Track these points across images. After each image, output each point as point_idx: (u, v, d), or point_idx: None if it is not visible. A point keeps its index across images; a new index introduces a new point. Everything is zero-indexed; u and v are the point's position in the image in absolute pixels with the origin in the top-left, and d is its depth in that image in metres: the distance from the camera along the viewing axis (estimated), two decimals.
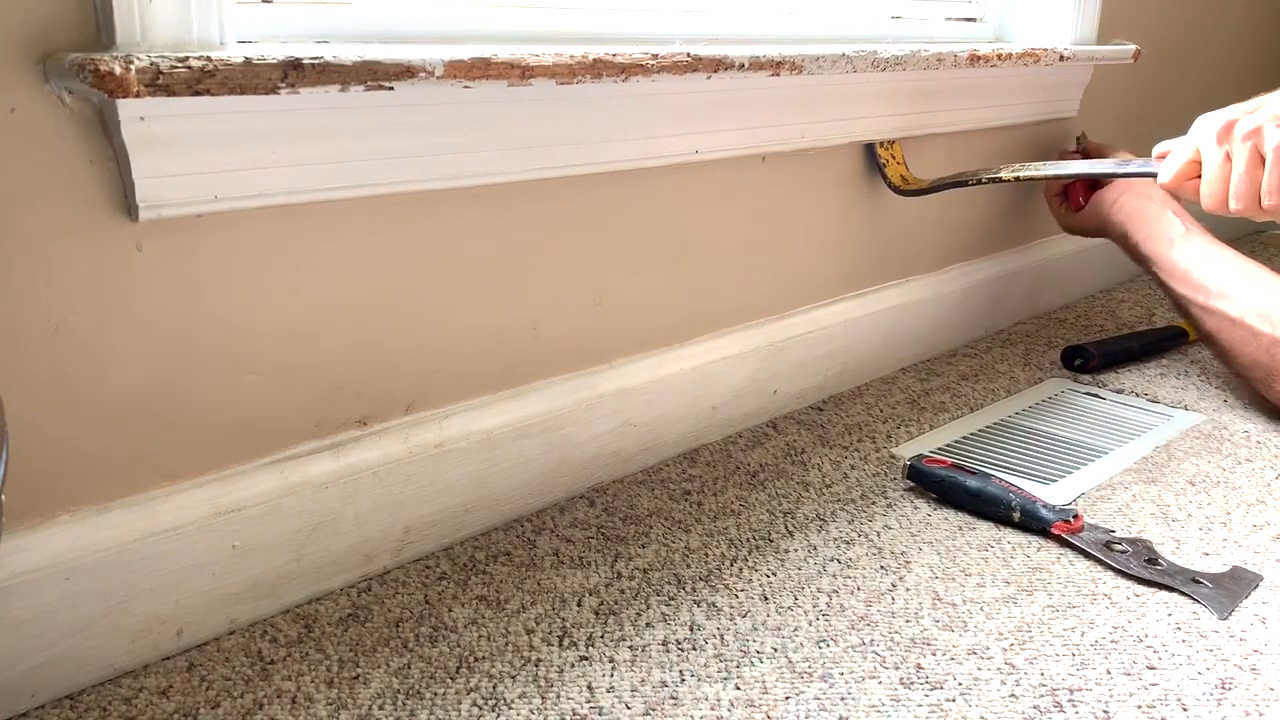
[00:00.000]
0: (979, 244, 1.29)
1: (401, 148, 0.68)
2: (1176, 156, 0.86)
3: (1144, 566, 0.75)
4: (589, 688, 0.62)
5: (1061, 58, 1.21)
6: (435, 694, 0.61)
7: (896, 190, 1.07)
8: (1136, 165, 0.93)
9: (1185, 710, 0.61)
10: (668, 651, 0.66)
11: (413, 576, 0.74)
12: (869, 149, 1.06)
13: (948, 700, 0.62)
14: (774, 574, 0.75)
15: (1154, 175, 0.88)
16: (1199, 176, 0.85)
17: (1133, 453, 0.96)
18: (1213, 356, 1.11)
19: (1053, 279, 1.40)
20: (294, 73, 0.57)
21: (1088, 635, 0.68)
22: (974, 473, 0.84)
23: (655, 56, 0.76)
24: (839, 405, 1.07)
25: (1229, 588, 0.74)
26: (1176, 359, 1.22)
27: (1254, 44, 1.88)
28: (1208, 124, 0.83)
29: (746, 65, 0.83)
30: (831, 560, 0.77)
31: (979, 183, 1.05)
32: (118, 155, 0.57)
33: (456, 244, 0.75)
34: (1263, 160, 0.78)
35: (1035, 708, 0.61)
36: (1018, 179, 1.03)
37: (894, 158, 1.07)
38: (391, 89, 0.62)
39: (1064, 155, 1.31)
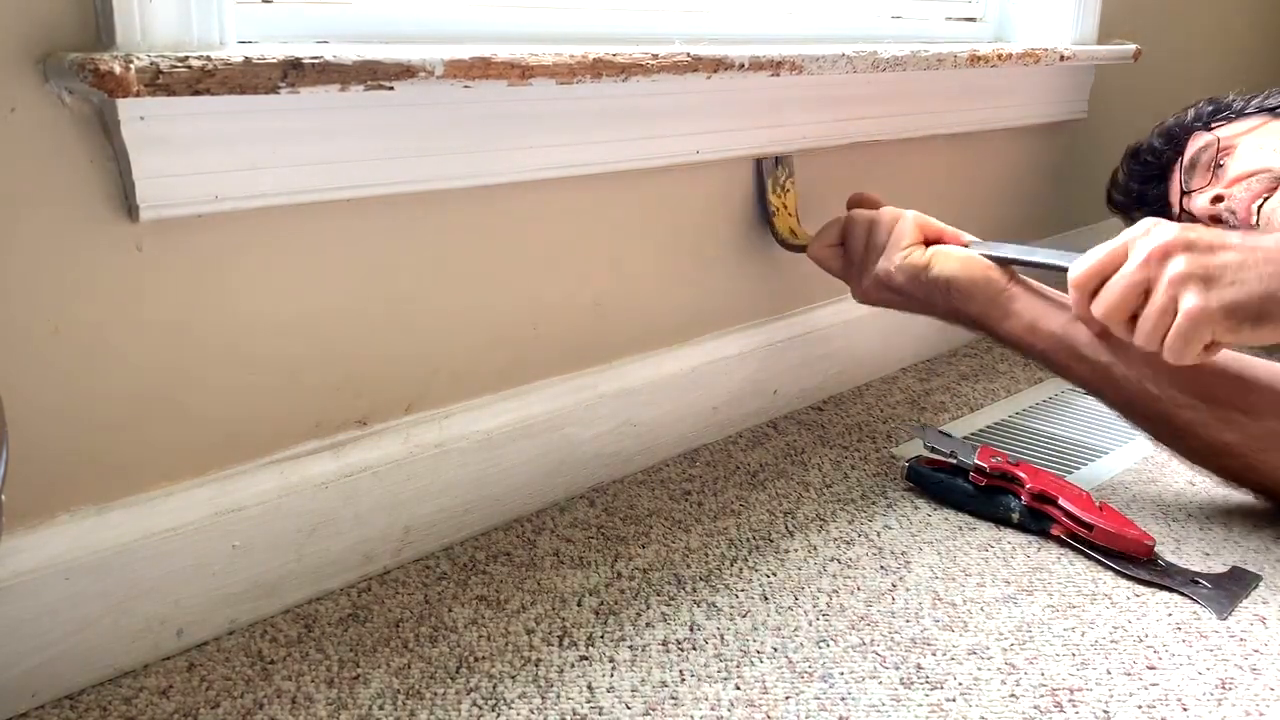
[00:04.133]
0: None
1: (401, 148, 0.68)
2: (1099, 250, 0.74)
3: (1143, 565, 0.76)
4: (589, 688, 0.62)
5: (1062, 58, 1.21)
6: (435, 694, 0.61)
7: (783, 244, 0.96)
8: (1046, 255, 0.82)
9: (1185, 710, 0.61)
10: (668, 651, 0.66)
11: (413, 576, 0.74)
12: (760, 192, 0.95)
13: (948, 700, 0.62)
14: (774, 574, 0.75)
15: (1065, 270, 0.77)
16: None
17: (1133, 453, 0.96)
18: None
19: (1053, 279, 1.40)
20: (294, 72, 0.57)
21: (1088, 635, 0.68)
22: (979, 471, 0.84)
23: (655, 56, 0.76)
24: (839, 405, 1.07)
25: (1229, 588, 0.74)
26: None
27: (1255, 43, 1.88)
28: (1150, 237, 0.72)
29: (746, 65, 0.83)
30: (831, 560, 0.77)
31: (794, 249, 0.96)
32: (118, 155, 0.57)
33: (456, 244, 0.75)
34: (1174, 314, 0.69)
35: (1035, 708, 0.61)
36: None
37: (785, 207, 0.97)
38: (391, 89, 0.62)
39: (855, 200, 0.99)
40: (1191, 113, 1.24)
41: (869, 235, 0.88)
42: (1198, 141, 1.18)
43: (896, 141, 1.09)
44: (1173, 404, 0.80)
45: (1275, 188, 1.10)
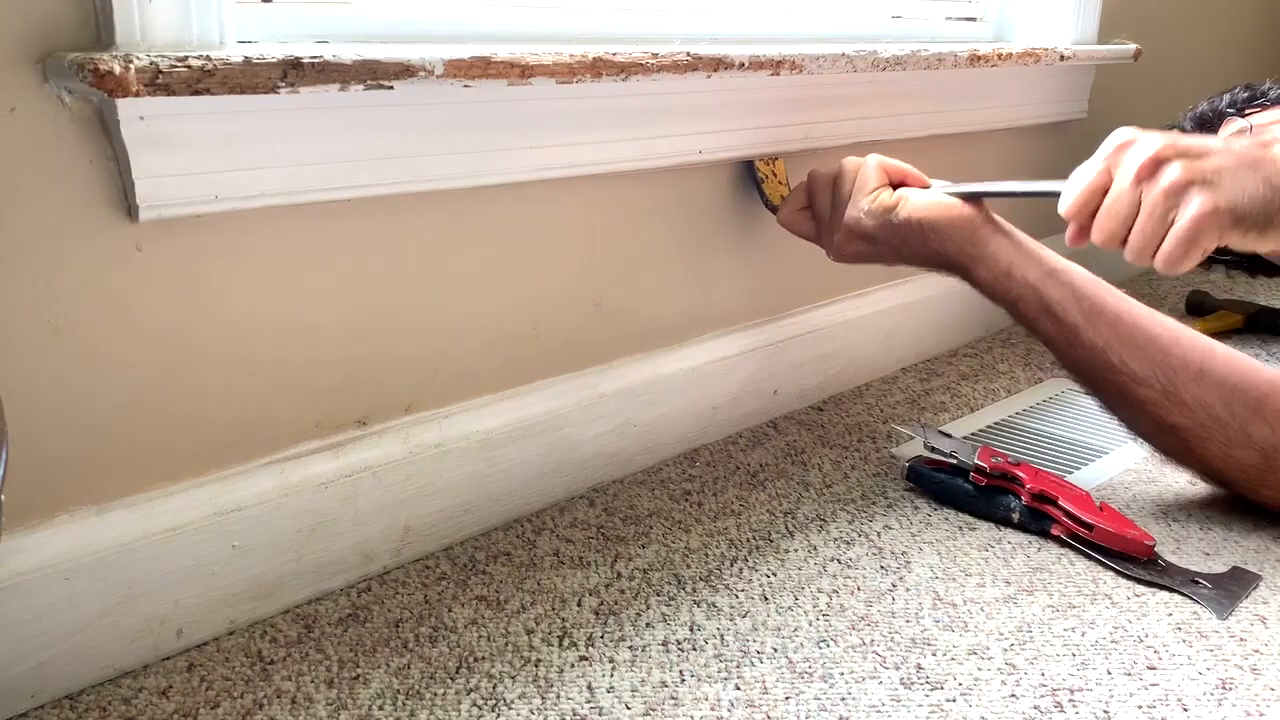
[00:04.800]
0: None
1: (401, 148, 0.68)
2: (1079, 180, 0.72)
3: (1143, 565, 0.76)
4: (589, 688, 0.62)
5: (1062, 57, 1.21)
6: (435, 694, 0.61)
7: (775, 211, 0.94)
8: (1040, 184, 0.79)
9: (1186, 710, 0.61)
10: (668, 651, 0.66)
11: (413, 576, 0.74)
12: (748, 165, 0.94)
13: (948, 700, 0.62)
14: (774, 574, 0.75)
15: (1057, 195, 0.75)
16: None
17: (1133, 453, 0.96)
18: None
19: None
20: (294, 72, 0.57)
21: (1088, 635, 0.68)
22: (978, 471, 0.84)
23: (655, 56, 0.76)
24: (839, 405, 1.07)
25: (1229, 588, 0.74)
26: None
27: (1255, 43, 1.88)
28: (1131, 152, 0.70)
29: (747, 65, 0.83)
30: (832, 560, 0.77)
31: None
32: (117, 155, 0.57)
33: (456, 244, 0.75)
34: (1173, 223, 0.67)
35: (1036, 708, 0.61)
36: None
37: (774, 174, 0.95)
38: (391, 88, 0.62)
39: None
40: (1226, 98, 1.21)
41: (834, 189, 0.86)
42: (1231, 127, 1.17)
43: (897, 141, 1.09)
44: (1130, 378, 0.80)
45: None
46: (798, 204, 0.90)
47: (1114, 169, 0.70)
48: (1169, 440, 0.82)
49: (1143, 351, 0.80)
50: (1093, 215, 0.71)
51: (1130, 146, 0.70)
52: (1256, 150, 0.68)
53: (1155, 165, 0.68)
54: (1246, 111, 1.18)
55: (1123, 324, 0.80)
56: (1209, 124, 1.20)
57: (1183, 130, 1.22)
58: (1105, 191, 0.70)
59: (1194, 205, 0.66)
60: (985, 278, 0.83)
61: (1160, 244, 0.68)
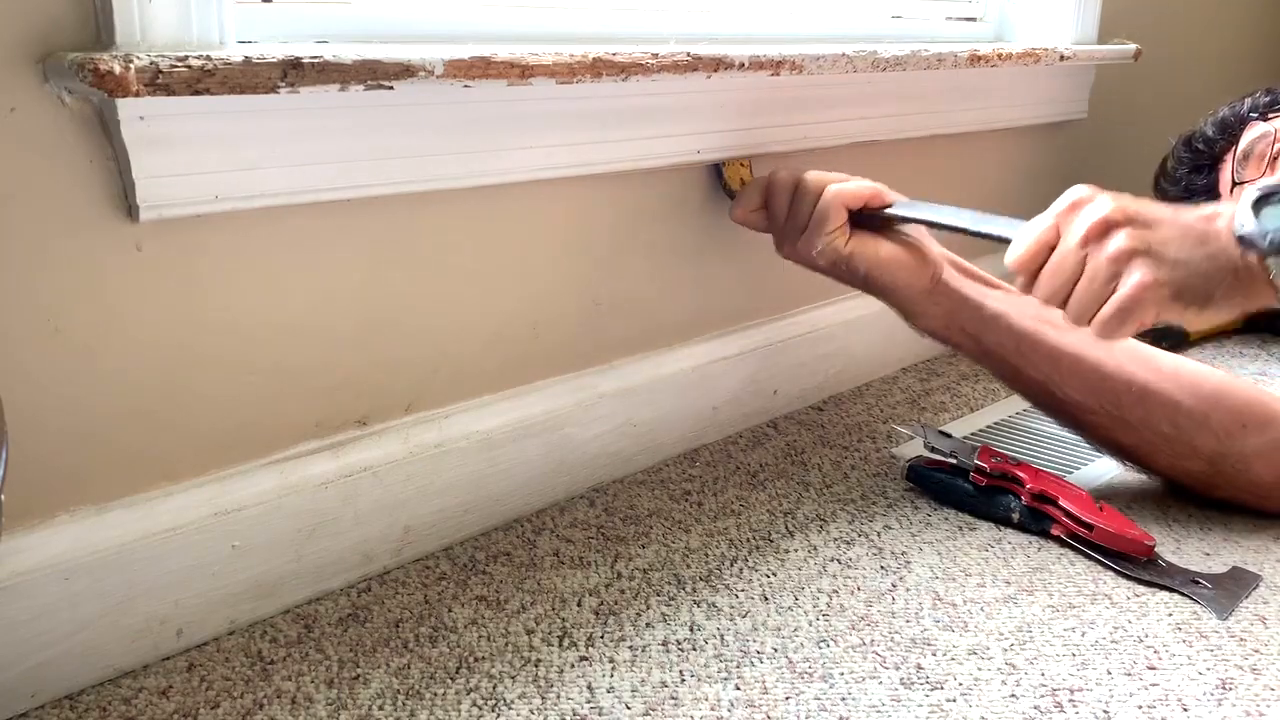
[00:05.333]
0: (979, 243, 1.29)
1: (401, 148, 0.68)
2: (1029, 234, 0.71)
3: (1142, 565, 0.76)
4: (589, 688, 0.62)
5: (1062, 57, 1.21)
6: (435, 694, 0.61)
7: (732, 196, 0.91)
8: (995, 224, 0.76)
9: (1186, 710, 0.61)
10: (668, 651, 0.66)
11: (413, 576, 0.74)
12: (715, 169, 0.92)
13: (948, 700, 0.62)
14: (774, 574, 0.75)
15: (1007, 241, 0.73)
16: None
17: None
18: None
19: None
20: (294, 72, 0.57)
21: (1088, 635, 0.68)
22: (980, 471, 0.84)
23: (655, 56, 0.76)
24: (839, 405, 1.07)
25: (1229, 588, 0.74)
26: None
27: (1256, 42, 1.88)
28: (1084, 214, 0.69)
29: (747, 65, 0.83)
30: (832, 560, 0.77)
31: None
32: (118, 155, 0.57)
33: (456, 244, 0.75)
34: (1113, 290, 0.67)
35: (1036, 708, 0.61)
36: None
37: (743, 180, 0.92)
38: (391, 88, 0.62)
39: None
40: (1248, 102, 1.21)
41: (791, 206, 0.84)
42: (1253, 131, 1.16)
43: (897, 141, 1.09)
44: (1075, 408, 0.84)
45: None
46: (753, 205, 0.87)
47: (1063, 227, 0.70)
48: (1123, 455, 0.86)
49: (1085, 381, 0.82)
50: (1038, 271, 0.71)
51: (1083, 207, 0.70)
52: (1203, 224, 0.68)
53: (1104, 229, 0.68)
54: (1269, 115, 1.17)
55: (1063, 359, 0.82)
56: (1230, 128, 1.19)
57: (1205, 135, 1.21)
58: (1053, 248, 0.70)
59: (1135, 275, 0.67)
60: (926, 327, 0.86)
61: (1099, 309, 0.68)
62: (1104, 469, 0.93)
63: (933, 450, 0.86)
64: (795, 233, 0.85)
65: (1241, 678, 0.64)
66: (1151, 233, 0.68)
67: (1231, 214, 0.68)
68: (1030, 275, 0.72)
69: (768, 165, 0.94)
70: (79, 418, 0.59)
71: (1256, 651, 0.67)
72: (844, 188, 0.83)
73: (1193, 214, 0.69)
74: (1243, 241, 0.67)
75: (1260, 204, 0.67)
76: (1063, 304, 0.70)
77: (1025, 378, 0.85)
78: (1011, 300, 0.84)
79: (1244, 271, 0.67)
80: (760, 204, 0.88)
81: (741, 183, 0.92)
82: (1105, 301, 0.68)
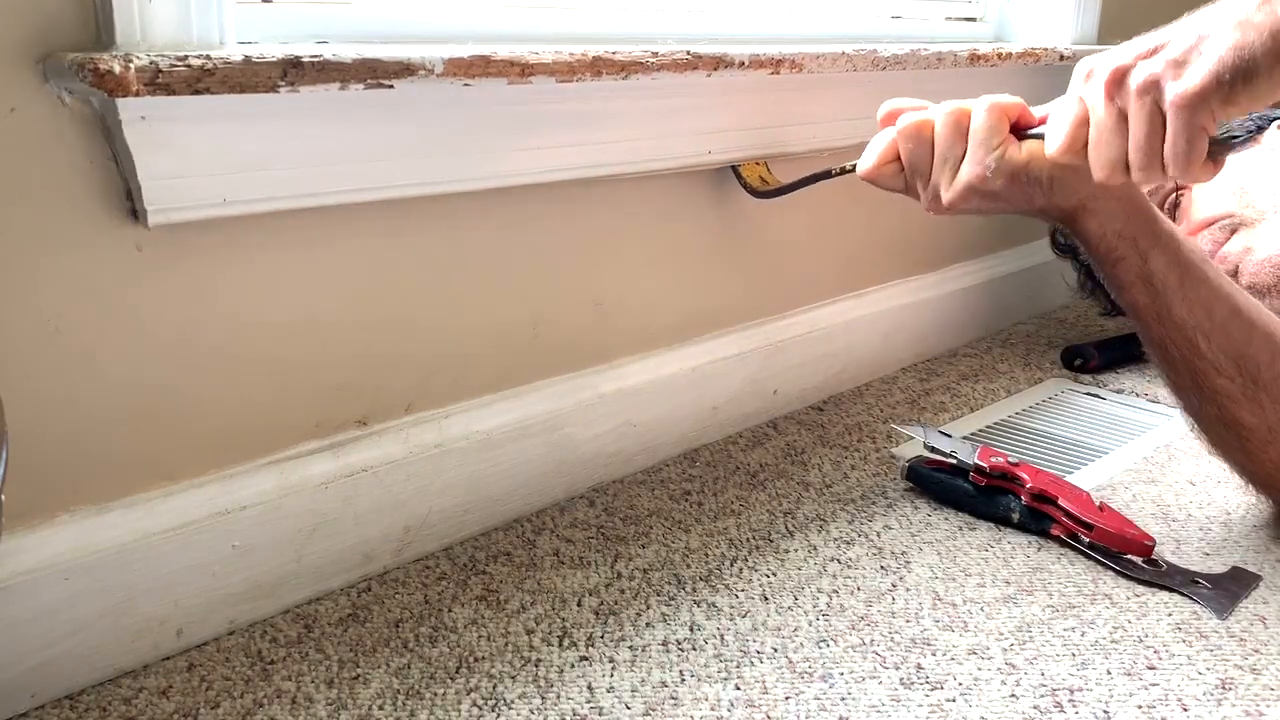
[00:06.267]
0: (979, 243, 1.29)
1: (402, 149, 0.68)
2: (1061, 119, 0.69)
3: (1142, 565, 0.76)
4: (589, 688, 0.62)
5: (1062, 57, 1.21)
6: (435, 694, 0.61)
7: (753, 192, 0.92)
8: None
9: (1185, 710, 0.61)
10: (668, 651, 0.66)
11: (413, 576, 0.74)
12: (733, 170, 0.91)
13: (948, 700, 0.62)
14: (774, 574, 0.75)
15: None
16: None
17: (1133, 453, 0.96)
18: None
19: (1053, 279, 1.40)
20: (294, 71, 0.57)
21: (1088, 635, 0.68)
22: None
23: (655, 54, 0.76)
24: (839, 405, 1.07)
25: (1229, 588, 0.74)
26: None
27: None
28: (1095, 74, 0.67)
29: (747, 64, 0.83)
30: (831, 560, 0.77)
31: (842, 172, 0.85)
32: (118, 155, 0.57)
33: (457, 245, 0.75)
34: (1164, 118, 0.64)
35: (1035, 708, 0.61)
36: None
37: (762, 178, 0.93)
38: (391, 87, 0.62)
39: None
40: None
41: (944, 142, 0.77)
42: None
43: None
44: (1212, 365, 0.76)
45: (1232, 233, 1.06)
46: (886, 157, 0.79)
47: (1087, 98, 0.68)
48: (1229, 435, 0.78)
49: (1232, 339, 0.76)
50: (1084, 150, 0.68)
51: (1091, 73, 0.68)
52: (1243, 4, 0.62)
53: (1120, 77, 0.65)
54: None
55: (1219, 306, 0.76)
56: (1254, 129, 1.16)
57: (1232, 135, 1.18)
58: (1088, 123, 0.67)
59: (1168, 94, 0.63)
60: (1095, 232, 0.79)
61: (1163, 150, 0.64)
62: (1104, 469, 0.93)
63: (933, 450, 0.86)
64: (953, 165, 0.76)
65: (1241, 678, 0.64)
66: (1164, 51, 0.64)
67: None
68: (1083, 157, 0.68)
69: (775, 166, 0.94)
70: (79, 418, 0.59)
71: (1256, 651, 0.67)
72: (998, 98, 0.78)
73: (1198, 14, 0.65)
74: None
75: None
76: (1126, 169, 0.66)
77: (1173, 317, 0.77)
78: (1180, 230, 0.79)
79: None
80: (893, 155, 0.79)
81: (761, 180, 0.91)
82: (1160, 144, 0.64)
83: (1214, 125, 0.63)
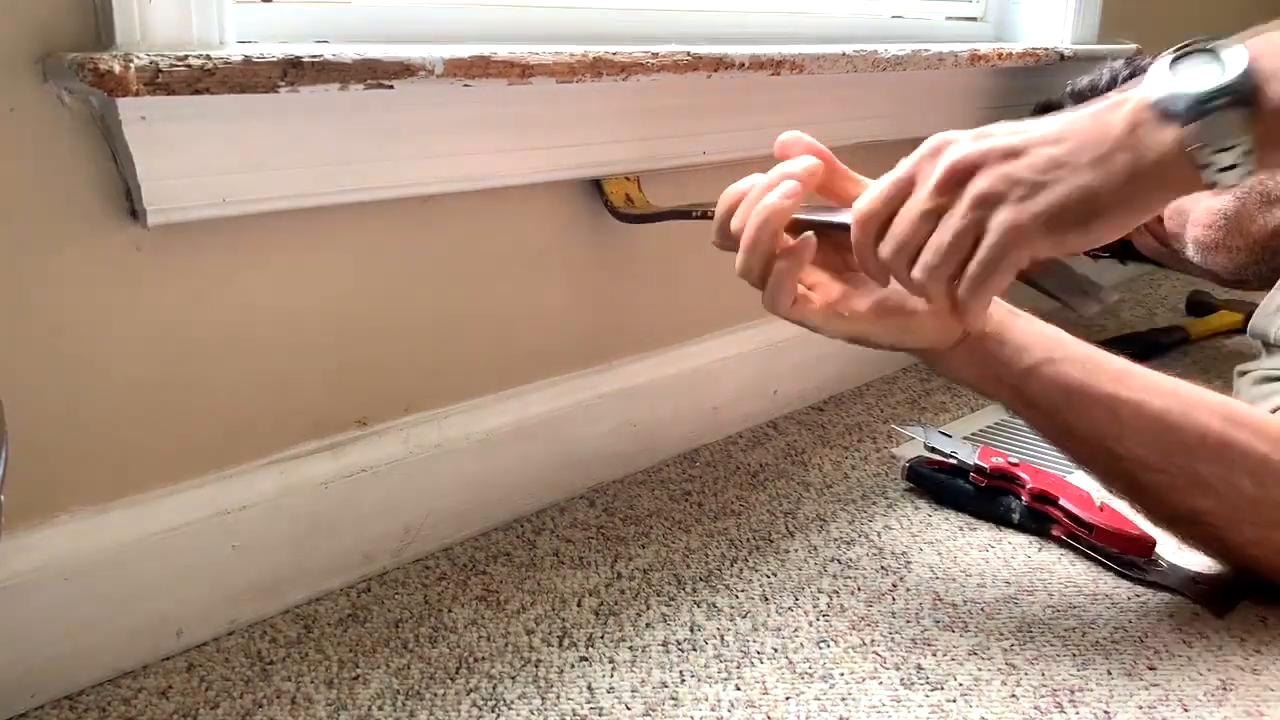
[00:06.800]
0: None
1: (402, 150, 0.68)
2: (880, 183, 0.62)
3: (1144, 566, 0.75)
4: (589, 688, 0.62)
5: (1062, 57, 1.21)
6: (435, 694, 0.61)
7: (617, 214, 0.83)
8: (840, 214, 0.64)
9: (1186, 710, 0.61)
10: (668, 652, 0.66)
11: (412, 577, 0.74)
12: (595, 184, 0.83)
13: (949, 701, 0.62)
14: (774, 574, 0.75)
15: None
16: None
17: None
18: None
19: None
20: (293, 71, 0.57)
21: (1088, 635, 0.68)
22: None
23: (655, 55, 0.76)
24: (839, 405, 1.07)
25: (1229, 588, 0.74)
26: (1177, 359, 1.22)
27: None
28: (942, 156, 0.59)
29: (747, 64, 0.83)
30: (832, 560, 0.77)
31: (702, 216, 0.76)
32: (119, 156, 0.57)
33: (456, 244, 0.75)
34: (978, 240, 0.58)
35: (1036, 708, 0.61)
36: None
37: (628, 196, 0.84)
38: (391, 87, 0.62)
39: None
40: (1106, 74, 1.12)
41: (741, 269, 0.72)
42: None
43: (898, 142, 1.09)
44: (1138, 465, 0.67)
45: None
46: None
47: (919, 177, 0.60)
48: (1194, 528, 0.70)
49: (1149, 433, 0.67)
50: (883, 229, 0.61)
51: (943, 151, 0.60)
52: (1105, 113, 0.58)
53: (963, 173, 0.58)
54: (1126, 90, 1.13)
55: (1123, 408, 0.67)
56: (1087, 101, 1.13)
57: (1061, 108, 1.14)
58: (904, 198, 0.60)
59: (997, 217, 0.57)
60: (954, 377, 0.72)
61: (952, 269, 0.59)
62: None
63: (933, 450, 0.86)
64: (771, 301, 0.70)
65: (1241, 678, 0.64)
66: (1019, 161, 0.58)
67: (1142, 88, 0.57)
68: (873, 231, 0.61)
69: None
70: (79, 418, 0.59)
71: (1257, 651, 0.67)
72: (767, 200, 0.65)
73: (1093, 108, 0.59)
74: (1159, 110, 0.56)
75: (1177, 63, 0.58)
76: (908, 266, 0.60)
77: (1078, 434, 0.69)
78: (1059, 344, 0.71)
79: (1154, 160, 0.56)
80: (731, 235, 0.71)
81: (627, 198, 0.83)
82: (961, 260, 0.58)
83: (1026, 263, 0.58)
